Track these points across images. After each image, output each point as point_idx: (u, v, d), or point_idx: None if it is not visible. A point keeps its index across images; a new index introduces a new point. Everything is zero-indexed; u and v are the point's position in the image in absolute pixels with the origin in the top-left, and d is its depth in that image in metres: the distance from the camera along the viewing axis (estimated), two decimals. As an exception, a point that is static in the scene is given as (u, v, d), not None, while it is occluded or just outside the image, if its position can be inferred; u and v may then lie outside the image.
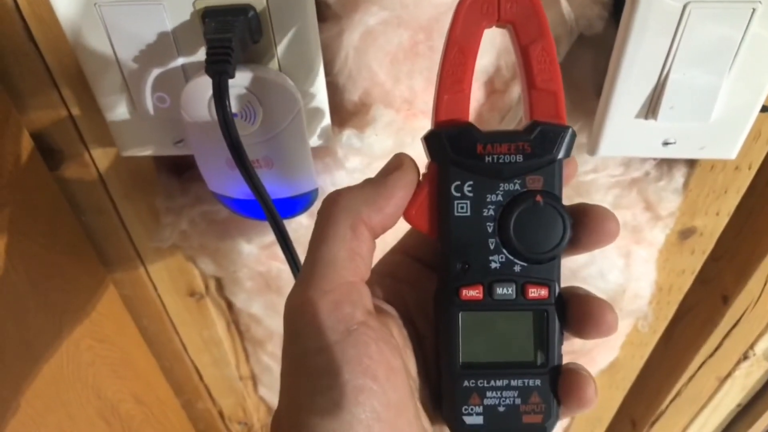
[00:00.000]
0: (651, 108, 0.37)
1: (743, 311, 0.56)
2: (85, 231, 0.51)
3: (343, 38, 0.37)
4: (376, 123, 0.40)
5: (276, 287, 0.54)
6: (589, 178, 0.44)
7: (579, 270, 0.50)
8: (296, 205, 0.41)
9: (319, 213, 0.25)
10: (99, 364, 0.56)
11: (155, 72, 0.36)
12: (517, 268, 0.25)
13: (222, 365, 0.67)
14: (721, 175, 0.44)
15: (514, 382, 0.25)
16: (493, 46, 0.39)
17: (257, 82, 0.34)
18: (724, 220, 0.48)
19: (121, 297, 0.58)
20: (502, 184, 0.25)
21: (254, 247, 0.49)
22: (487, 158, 0.24)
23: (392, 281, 0.28)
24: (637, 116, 0.37)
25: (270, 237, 0.48)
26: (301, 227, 0.47)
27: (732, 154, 0.39)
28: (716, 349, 0.61)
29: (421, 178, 0.26)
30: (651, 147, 0.39)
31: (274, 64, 0.36)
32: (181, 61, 0.36)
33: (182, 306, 0.59)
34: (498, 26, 0.25)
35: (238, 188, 0.39)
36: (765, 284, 0.52)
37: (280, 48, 0.35)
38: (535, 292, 0.25)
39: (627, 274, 0.51)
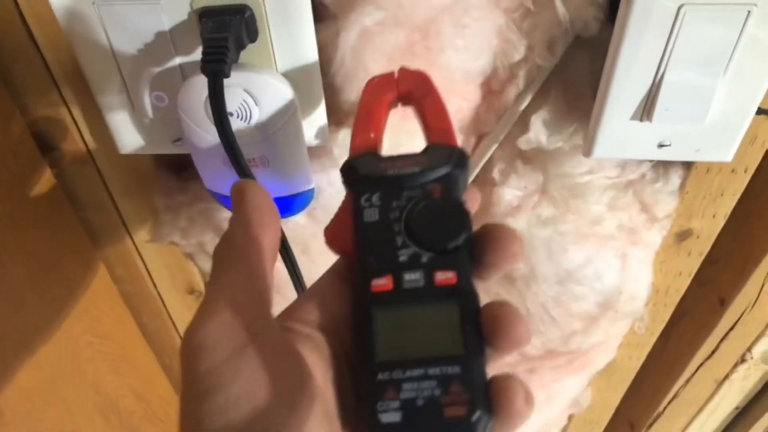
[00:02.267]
0: (646, 110, 0.37)
1: (740, 314, 0.56)
2: (85, 228, 0.51)
3: (340, 38, 0.37)
4: (373, 123, 0.40)
5: (273, 285, 0.55)
6: (584, 180, 0.45)
7: (575, 271, 0.50)
8: (292, 204, 0.41)
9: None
10: (98, 360, 0.56)
11: (153, 71, 0.36)
12: (424, 258, 0.25)
13: (221, 363, 0.67)
14: (717, 178, 0.44)
15: (432, 371, 0.24)
16: (489, 48, 0.39)
17: (253, 81, 0.34)
18: (720, 223, 0.48)
19: (121, 293, 0.59)
20: (405, 192, 0.27)
21: (252, 245, 0.49)
22: (389, 171, 0.27)
23: (318, 298, 0.27)
24: (633, 118, 0.38)
25: (268, 235, 0.49)
26: (297, 226, 0.47)
27: (728, 156, 0.39)
28: (713, 352, 0.61)
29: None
30: (646, 149, 0.39)
31: (270, 64, 0.36)
32: (178, 60, 0.36)
33: (182, 303, 0.60)
34: (404, 102, 0.31)
35: (235, 187, 0.39)
36: (762, 287, 0.52)
37: (277, 48, 0.35)
38: (443, 276, 0.25)
39: (623, 275, 0.51)
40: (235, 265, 0.24)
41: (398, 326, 0.25)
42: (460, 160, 0.27)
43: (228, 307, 0.22)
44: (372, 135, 0.29)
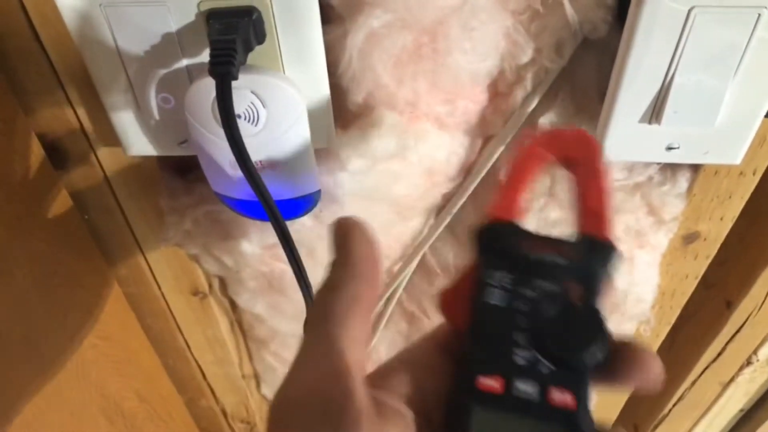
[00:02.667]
0: (655, 112, 0.37)
1: (747, 316, 0.56)
2: (90, 230, 0.51)
3: (347, 40, 0.37)
4: (380, 125, 0.40)
5: (279, 288, 0.55)
6: (592, 181, 0.44)
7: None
8: (299, 206, 0.41)
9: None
10: (102, 361, 0.56)
11: (160, 72, 0.36)
12: (543, 369, 0.23)
13: (225, 364, 0.67)
14: (725, 181, 0.44)
15: None
16: (497, 50, 0.39)
17: (261, 83, 0.34)
18: (728, 226, 0.48)
19: (125, 295, 0.58)
20: (540, 282, 0.24)
21: (257, 247, 0.49)
22: (530, 254, 0.24)
23: (412, 369, 0.25)
24: (641, 120, 0.37)
25: (273, 238, 0.48)
26: (303, 228, 0.47)
27: (737, 159, 0.39)
28: (719, 354, 0.61)
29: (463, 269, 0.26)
30: (654, 152, 0.39)
31: (278, 66, 0.36)
32: (185, 62, 0.36)
33: (186, 305, 0.59)
34: (562, 164, 0.27)
35: (241, 189, 0.39)
36: (769, 290, 0.52)
37: (284, 50, 0.35)
38: (560, 397, 0.22)
39: (630, 278, 0.51)
40: (337, 327, 0.22)
41: None
42: (613, 262, 0.24)
43: (319, 380, 0.21)
44: (518, 202, 0.26)
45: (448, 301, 0.25)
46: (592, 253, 0.24)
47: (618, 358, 0.22)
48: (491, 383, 0.23)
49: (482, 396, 0.22)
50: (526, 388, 0.22)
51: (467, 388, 0.23)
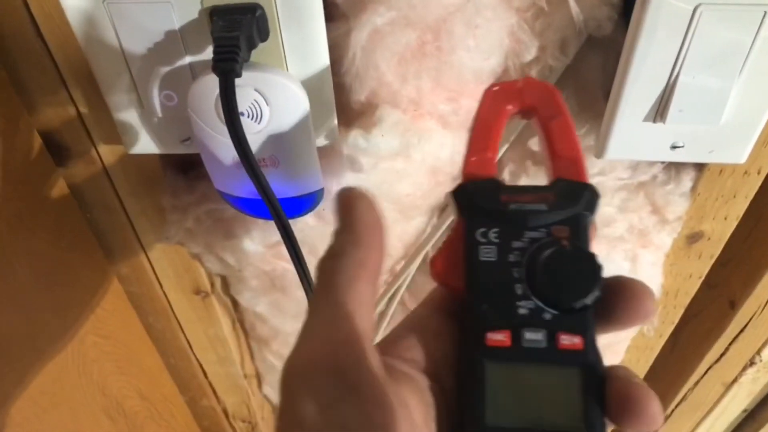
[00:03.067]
0: (660, 111, 0.37)
1: (750, 317, 0.55)
2: (92, 227, 0.51)
3: (351, 38, 0.37)
4: (383, 123, 0.40)
5: (281, 286, 0.54)
6: (596, 180, 0.44)
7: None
8: (302, 204, 0.41)
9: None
10: (104, 360, 0.56)
11: (163, 70, 0.36)
12: (546, 315, 0.23)
13: (227, 363, 0.67)
14: (730, 180, 0.44)
15: None
16: (501, 48, 0.39)
17: (264, 81, 0.34)
18: (732, 225, 0.48)
19: (127, 294, 0.58)
20: (527, 232, 0.24)
21: (260, 246, 0.49)
22: (511, 206, 0.24)
23: (419, 335, 0.25)
24: (646, 119, 0.37)
25: (275, 236, 0.48)
26: (306, 227, 0.47)
27: (741, 158, 0.39)
28: (722, 355, 0.60)
29: (447, 235, 0.26)
30: (659, 150, 0.39)
31: (281, 64, 0.36)
32: (188, 59, 0.36)
33: (188, 304, 0.59)
34: (524, 115, 0.28)
35: (244, 187, 0.39)
36: (773, 290, 0.52)
37: (288, 47, 0.35)
38: (568, 341, 0.22)
39: (633, 277, 0.50)
40: (343, 293, 0.22)
41: (513, 389, 0.23)
42: (591, 200, 0.25)
43: (330, 345, 0.21)
44: (490, 155, 0.27)
45: (440, 267, 0.25)
46: (572, 195, 0.24)
47: (611, 293, 0.23)
48: (500, 338, 0.23)
49: (492, 352, 0.23)
50: (533, 336, 0.23)
51: (477, 346, 0.23)
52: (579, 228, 0.24)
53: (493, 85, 0.28)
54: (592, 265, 0.23)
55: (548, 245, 0.23)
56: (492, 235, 0.24)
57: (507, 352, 0.23)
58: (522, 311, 0.23)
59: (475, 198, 0.25)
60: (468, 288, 0.24)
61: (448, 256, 0.25)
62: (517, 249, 0.24)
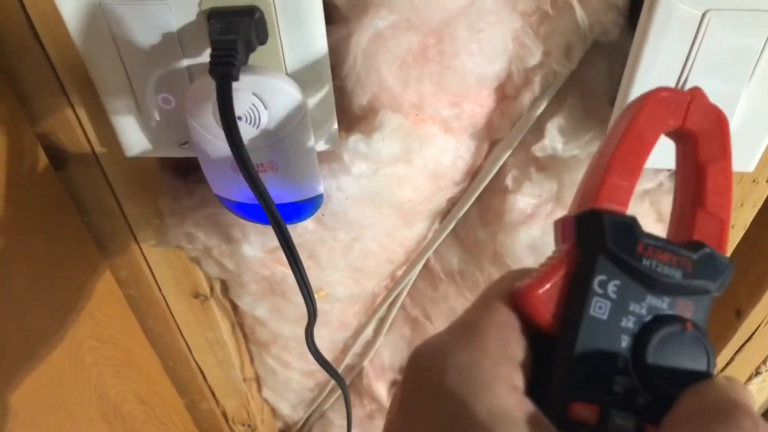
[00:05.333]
0: (666, 118, 0.36)
1: (757, 326, 0.54)
2: (90, 231, 0.51)
3: (352, 41, 0.36)
4: (384, 128, 0.39)
5: (280, 291, 0.54)
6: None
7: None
8: (301, 210, 0.40)
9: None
10: (102, 364, 0.56)
11: (160, 73, 0.35)
12: (640, 400, 0.20)
13: (226, 367, 0.67)
14: (737, 188, 0.43)
15: None
16: (505, 52, 0.38)
17: (262, 84, 0.33)
18: (739, 234, 0.47)
19: (126, 297, 0.58)
20: (650, 297, 0.21)
21: (258, 251, 0.49)
22: (645, 261, 0.20)
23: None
24: (652, 126, 0.36)
25: (274, 241, 0.48)
26: (306, 232, 0.46)
27: (750, 166, 0.38)
28: (728, 364, 0.60)
29: (553, 261, 0.22)
30: (665, 158, 0.38)
31: (280, 67, 0.35)
32: (186, 62, 0.35)
33: (187, 307, 0.59)
34: (673, 134, 0.23)
35: (243, 192, 0.38)
36: (780, 299, 0.51)
37: (287, 50, 0.34)
38: None
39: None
40: None
41: None
42: (726, 281, 0.21)
43: None
44: (632, 181, 0.22)
45: (537, 299, 0.21)
46: (712, 270, 0.21)
47: None
48: (586, 413, 0.20)
49: (571, 424, 0.20)
50: (622, 422, 0.20)
51: (558, 415, 0.20)
52: (704, 309, 0.21)
53: (660, 90, 0.23)
54: (706, 357, 0.20)
55: (668, 321, 0.20)
56: (611, 288, 0.20)
57: (587, 430, 0.20)
58: (617, 388, 0.20)
59: (609, 236, 0.20)
60: (563, 341, 0.20)
61: (548, 292, 0.21)
62: (633, 314, 0.20)
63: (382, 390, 0.69)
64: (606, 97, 0.39)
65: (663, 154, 0.38)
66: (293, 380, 0.70)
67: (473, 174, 0.47)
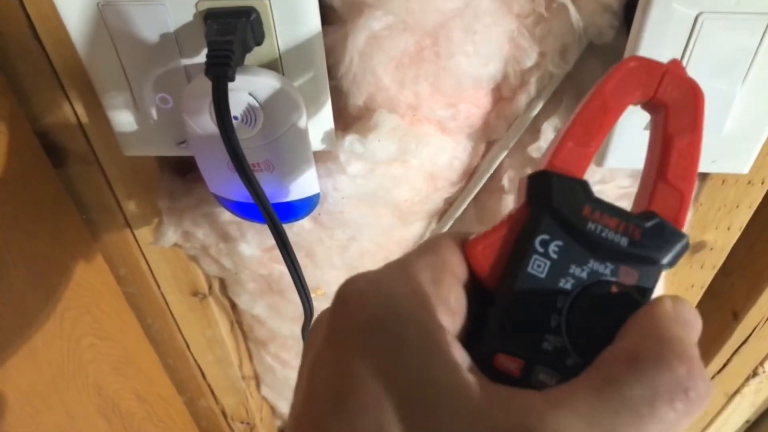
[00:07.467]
0: (661, 120, 0.36)
1: (753, 327, 0.55)
2: (89, 229, 0.51)
3: (348, 42, 0.36)
4: (380, 128, 0.40)
5: (278, 290, 0.54)
6: (596, 189, 0.43)
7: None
8: (297, 209, 0.41)
9: None
10: (100, 361, 0.56)
11: (158, 72, 0.36)
12: (569, 361, 0.20)
13: (225, 365, 0.67)
14: (733, 190, 0.43)
15: None
16: (500, 53, 0.38)
17: (258, 85, 0.34)
18: (735, 235, 0.47)
19: (125, 295, 0.58)
20: (592, 261, 0.20)
21: (256, 249, 0.49)
22: (590, 224, 0.20)
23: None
24: (646, 127, 0.36)
25: (272, 240, 0.48)
26: (303, 231, 0.46)
27: (744, 168, 0.38)
28: (725, 365, 0.60)
29: (504, 218, 0.22)
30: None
31: (276, 67, 0.35)
32: (183, 62, 0.35)
33: (186, 305, 0.59)
34: (645, 105, 0.23)
35: (240, 191, 0.38)
36: (776, 301, 0.51)
37: (283, 51, 0.35)
38: None
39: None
40: None
41: None
42: (679, 255, 0.21)
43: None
44: (591, 149, 0.22)
45: (479, 251, 0.21)
46: (662, 242, 0.21)
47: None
48: (510, 365, 0.20)
49: (496, 375, 0.20)
50: (545, 378, 0.20)
51: (483, 361, 0.20)
52: (650, 278, 0.21)
53: (630, 60, 0.22)
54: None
55: (607, 287, 0.20)
56: (553, 248, 0.21)
57: (510, 381, 0.20)
58: (546, 346, 0.20)
59: (556, 197, 0.21)
60: (498, 294, 0.21)
61: (492, 243, 0.21)
62: (573, 276, 0.20)
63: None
64: (601, 99, 0.39)
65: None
66: (292, 378, 0.70)
67: (470, 174, 0.47)
